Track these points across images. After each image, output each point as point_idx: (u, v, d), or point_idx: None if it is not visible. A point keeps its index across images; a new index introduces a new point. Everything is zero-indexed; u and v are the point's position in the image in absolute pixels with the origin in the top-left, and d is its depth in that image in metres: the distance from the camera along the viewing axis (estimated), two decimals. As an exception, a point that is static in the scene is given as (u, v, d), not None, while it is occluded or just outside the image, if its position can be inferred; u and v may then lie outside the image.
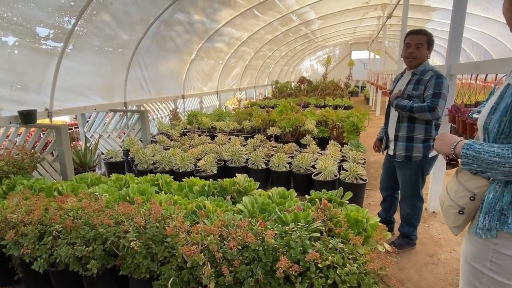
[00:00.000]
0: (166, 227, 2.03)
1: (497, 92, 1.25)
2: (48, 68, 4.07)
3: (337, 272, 1.74)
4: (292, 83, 15.78)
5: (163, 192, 3.09)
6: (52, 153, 4.01)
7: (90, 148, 4.48)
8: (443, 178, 3.54)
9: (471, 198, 1.26)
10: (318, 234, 2.03)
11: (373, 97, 13.43)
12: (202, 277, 1.80)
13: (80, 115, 5.49)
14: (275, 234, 1.94)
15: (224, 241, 1.94)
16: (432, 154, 2.64)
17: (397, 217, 3.13)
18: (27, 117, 3.81)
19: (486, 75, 2.82)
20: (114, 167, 4.64)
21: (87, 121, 5.75)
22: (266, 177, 4.34)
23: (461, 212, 1.30)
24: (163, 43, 6.17)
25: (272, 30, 9.91)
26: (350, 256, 1.85)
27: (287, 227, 1.99)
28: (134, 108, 6.57)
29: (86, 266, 2.06)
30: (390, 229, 3.13)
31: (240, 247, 1.91)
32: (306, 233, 1.92)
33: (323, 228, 2.09)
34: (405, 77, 2.75)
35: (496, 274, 1.22)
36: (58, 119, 10.36)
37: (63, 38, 4.01)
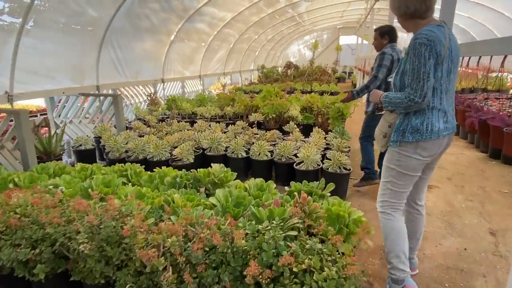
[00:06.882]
0: (124, 226, 1.79)
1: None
2: (5, 47, 3.69)
3: (314, 277, 1.55)
4: (279, 68, 15.45)
5: (130, 184, 2.84)
6: (12, 140, 3.68)
7: (56, 134, 4.14)
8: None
9: (389, 126, 2.06)
10: (295, 233, 1.83)
11: (360, 83, 13.28)
12: (162, 284, 1.59)
13: (48, 99, 5.11)
14: (247, 234, 1.74)
15: (190, 242, 1.72)
16: (377, 112, 3.49)
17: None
18: (-19, 101, 3.46)
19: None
20: (83, 156, 4.32)
21: (57, 106, 5.38)
22: (247, 166, 4.13)
23: (384, 136, 2.09)
24: (138, 21, 5.77)
25: (257, 11, 9.52)
26: (329, 258, 1.67)
27: (260, 226, 1.78)
28: (110, 92, 6.21)
29: (33, 271, 1.81)
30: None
31: (207, 249, 1.70)
32: (281, 232, 1.72)
33: (301, 226, 1.90)
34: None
35: (399, 168, 1.99)
36: (30, 104, 9.83)
37: (21, 13, 3.61)
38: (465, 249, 2.62)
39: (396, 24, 4.03)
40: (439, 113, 1.91)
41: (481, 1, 8.86)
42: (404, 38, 12.09)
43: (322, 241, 1.86)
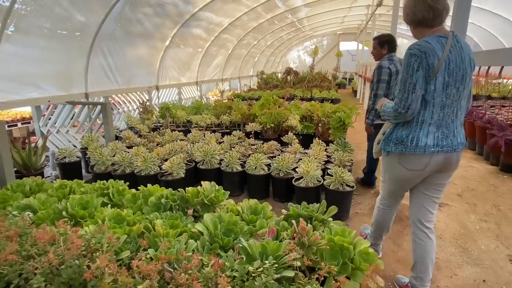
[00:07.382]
0: (92, 265, 1.52)
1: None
2: (-17, 53, 3.44)
3: (315, 336, 1.27)
4: (279, 74, 15.24)
5: (110, 205, 2.56)
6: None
7: (37, 146, 3.87)
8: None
9: (383, 134, 2.06)
10: (292, 273, 1.56)
11: (361, 90, 13.05)
12: None
13: (34, 107, 4.85)
14: (234, 277, 1.46)
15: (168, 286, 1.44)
16: (376, 122, 3.52)
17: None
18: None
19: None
20: (68, 169, 4.05)
21: (44, 114, 5.12)
22: (242, 181, 3.85)
23: (378, 143, 2.11)
24: (130, 27, 5.53)
25: (256, 16, 9.31)
26: (333, 309, 1.39)
27: (250, 268, 1.50)
28: (101, 100, 5.96)
29: (-18, 318, 1.53)
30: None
31: (187, 295, 1.42)
32: (276, 275, 1.45)
33: (299, 263, 1.63)
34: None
35: (388, 174, 2.11)
36: (24, 110, 9.57)
37: (0, 18, 3.37)
38: (484, 281, 2.33)
39: (398, 31, 3.81)
40: (430, 128, 1.84)
41: (485, 6, 8.66)
42: (404, 44, 11.90)
43: (323, 279, 1.60)
